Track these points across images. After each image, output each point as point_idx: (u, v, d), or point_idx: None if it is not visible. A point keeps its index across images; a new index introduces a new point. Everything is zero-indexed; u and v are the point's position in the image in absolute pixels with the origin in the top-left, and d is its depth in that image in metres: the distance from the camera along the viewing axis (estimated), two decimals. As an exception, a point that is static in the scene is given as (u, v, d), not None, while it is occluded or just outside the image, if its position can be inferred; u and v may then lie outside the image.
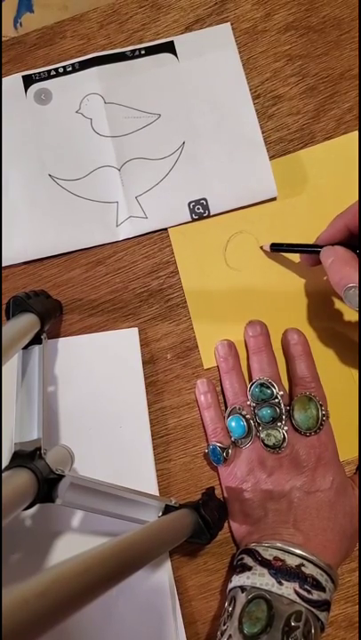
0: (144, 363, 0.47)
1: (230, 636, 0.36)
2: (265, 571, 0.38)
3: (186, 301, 0.48)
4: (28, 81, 0.50)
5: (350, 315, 0.47)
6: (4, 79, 0.50)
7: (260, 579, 0.37)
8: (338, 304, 0.47)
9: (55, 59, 0.51)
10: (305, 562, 0.37)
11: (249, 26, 0.51)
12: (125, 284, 0.49)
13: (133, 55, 0.50)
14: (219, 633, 0.38)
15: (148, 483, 0.44)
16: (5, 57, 0.51)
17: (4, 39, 0.52)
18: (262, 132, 0.49)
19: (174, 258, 0.49)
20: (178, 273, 0.49)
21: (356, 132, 0.49)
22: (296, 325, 0.47)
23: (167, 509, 0.41)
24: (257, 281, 0.48)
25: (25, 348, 0.44)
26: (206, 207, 0.49)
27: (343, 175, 0.49)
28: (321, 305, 0.48)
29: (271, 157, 0.49)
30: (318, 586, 0.37)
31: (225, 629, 0.37)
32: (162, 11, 0.51)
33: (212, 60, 0.50)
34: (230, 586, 0.40)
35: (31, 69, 0.50)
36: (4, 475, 0.35)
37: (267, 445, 0.43)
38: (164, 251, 0.49)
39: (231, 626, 0.37)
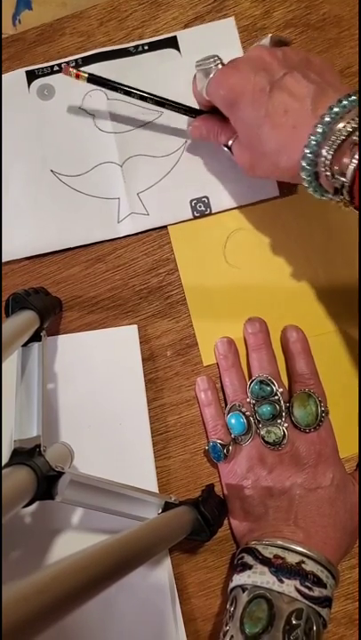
0: (144, 360, 0.47)
1: (232, 636, 0.37)
2: (265, 569, 0.38)
3: (185, 298, 0.48)
4: (32, 76, 0.50)
5: (350, 312, 0.47)
6: (7, 74, 0.50)
7: (260, 577, 0.37)
8: (337, 301, 0.47)
9: (54, 56, 0.51)
10: (305, 559, 0.37)
11: (248, 23, 0.51)
12: (125, 281, 0.49)
13: (136, 51, 0.50)
14: (221, 634, 0.38)
15: (148, 480, 0.44)
16: (5, 54, 0.51)
17: (3, 36, 0.52)
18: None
19: (174, 255, 0.49)
20: (177, 270, 0.49)
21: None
22: (295, 322, 0.47)
23: (167, 506, 0.41)
24: (256, 278, 0.48)
25: (24, 345, 0.44)
26: (208, 205, 0.49)
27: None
28: (320, 302, 0.48)
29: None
30: (319, 582, 0.37)
31: (227, 630, 0.37)
32: (161, 8, 0.51)
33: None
34: (231, 585, 0.40)
35: (30, 66, 0.50)
36: (3, 472, 0.35)
37: (267, 442, 0.43)
38: (163, 248, 0.49)
39: (233, 626, 0.37)
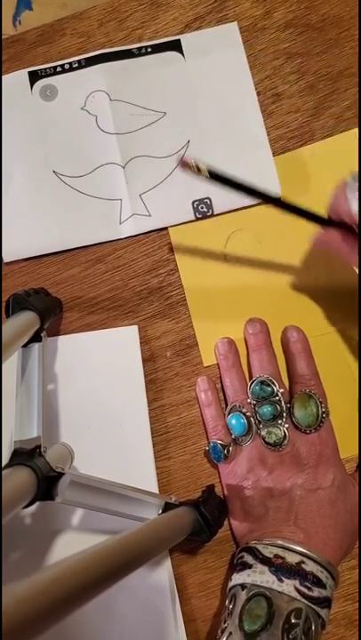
0: (144, 360, 0.47)
1: (231, 633, 0.36)
2: (265, 568, 0.38)
3: (185, 299, 0.48)
4: (34, 77, 0.50)
5: (350, 312, 0.47)
6: (9, 75, 0.50)
7: (260, 576, 0.37)
8: (337, 302, 0.47)
9: (55, 56, 0.51)
10: (305, 559, 0.37)
11: (248, 24, 0.51)
12: (125, 282, 0.49)
13: (140, 53, 0.50)
14: (219, 631, 0.38)
15: (148, 480, 0.44)
16: (5, 55, 0.51)
17: (3, 37, 0.52)
18: (262, 130, 0.49)
19: (174, 256, 0.49)
20: (177, 271, 0.49)
21: (356, 130, 0.49)
22: (296, 323, 0.47)
23: (167, 507, 0.41)
24: (257, 279, 0.48)
25: (25, 345, 0.44)
26: (210, 206, 0.49)
27: (342, 173, 0.48)
28: (321, 302, 0.48)
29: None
30: (319, 583, 0.37)
31: (225, 627, 0.37)
32: (161, 9, 0.51)
33: (218, 59, 0.50)
34: (231, 584, 0.40)
35: (30, 67, 0.50)
36: (3, 472, 0.35)
37: (267, 443, 0.43)
38: (163, 248, 0.49)
39: (232, 623, 0.37)
